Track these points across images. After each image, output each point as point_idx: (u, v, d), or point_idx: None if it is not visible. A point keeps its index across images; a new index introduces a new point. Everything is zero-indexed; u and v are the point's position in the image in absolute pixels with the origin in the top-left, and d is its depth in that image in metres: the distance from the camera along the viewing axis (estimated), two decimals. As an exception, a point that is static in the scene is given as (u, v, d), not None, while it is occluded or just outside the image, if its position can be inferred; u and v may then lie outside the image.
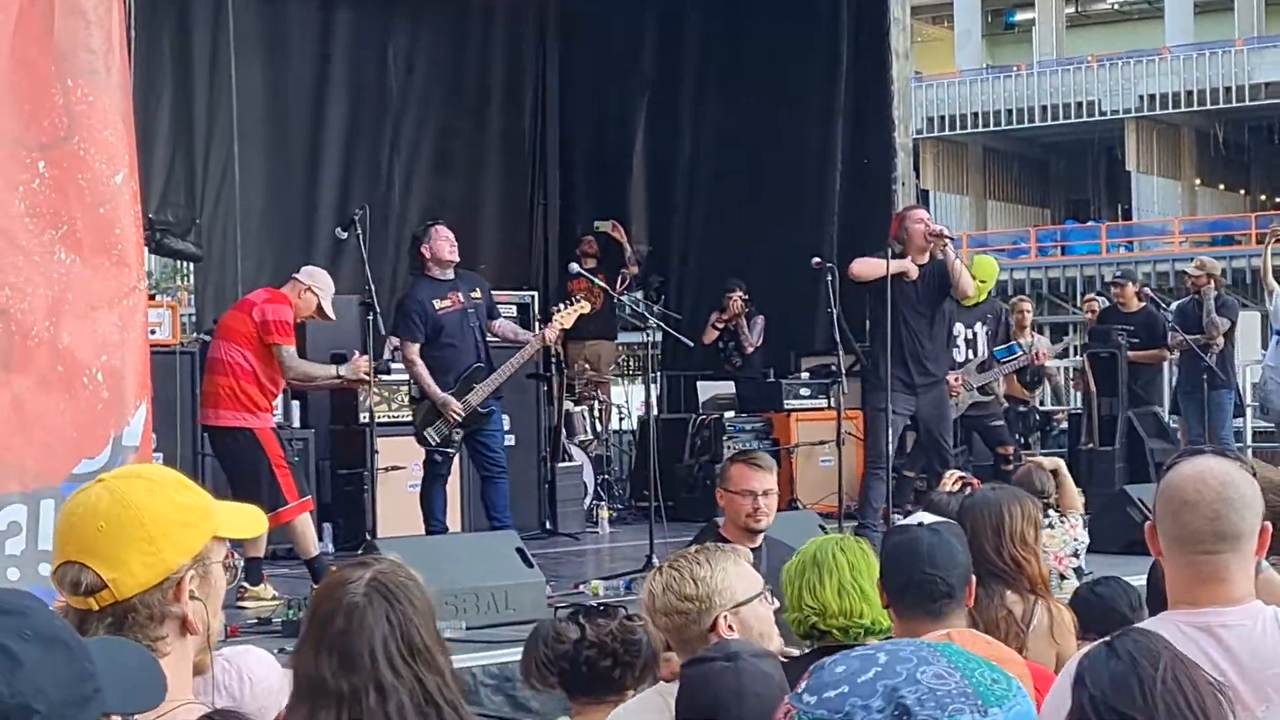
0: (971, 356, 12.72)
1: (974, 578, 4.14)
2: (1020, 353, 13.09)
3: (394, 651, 2.84)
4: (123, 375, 6.25)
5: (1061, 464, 8.48)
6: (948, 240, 11.03)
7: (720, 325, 15.08)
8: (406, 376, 10.98)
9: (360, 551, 8.91)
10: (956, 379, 12.22)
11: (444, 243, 10.66)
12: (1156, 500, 3.34)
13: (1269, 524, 3.29)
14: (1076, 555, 8.05)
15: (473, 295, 10.80)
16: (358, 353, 9.97)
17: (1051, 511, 7.76)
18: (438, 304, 10.62)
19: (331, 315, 9.93)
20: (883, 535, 4.11)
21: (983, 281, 12.78)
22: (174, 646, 2.65)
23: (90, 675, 1.86)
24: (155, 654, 2.49)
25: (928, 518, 4.20)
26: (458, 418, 10.49)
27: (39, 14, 6.10)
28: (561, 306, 11.02)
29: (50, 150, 6.09)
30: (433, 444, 10.64)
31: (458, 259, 10.83)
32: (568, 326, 11.02)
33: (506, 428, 12.59)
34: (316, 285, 9.75)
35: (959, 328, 12.44)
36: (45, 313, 6.04)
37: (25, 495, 5.97)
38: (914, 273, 10.81)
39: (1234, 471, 3.27)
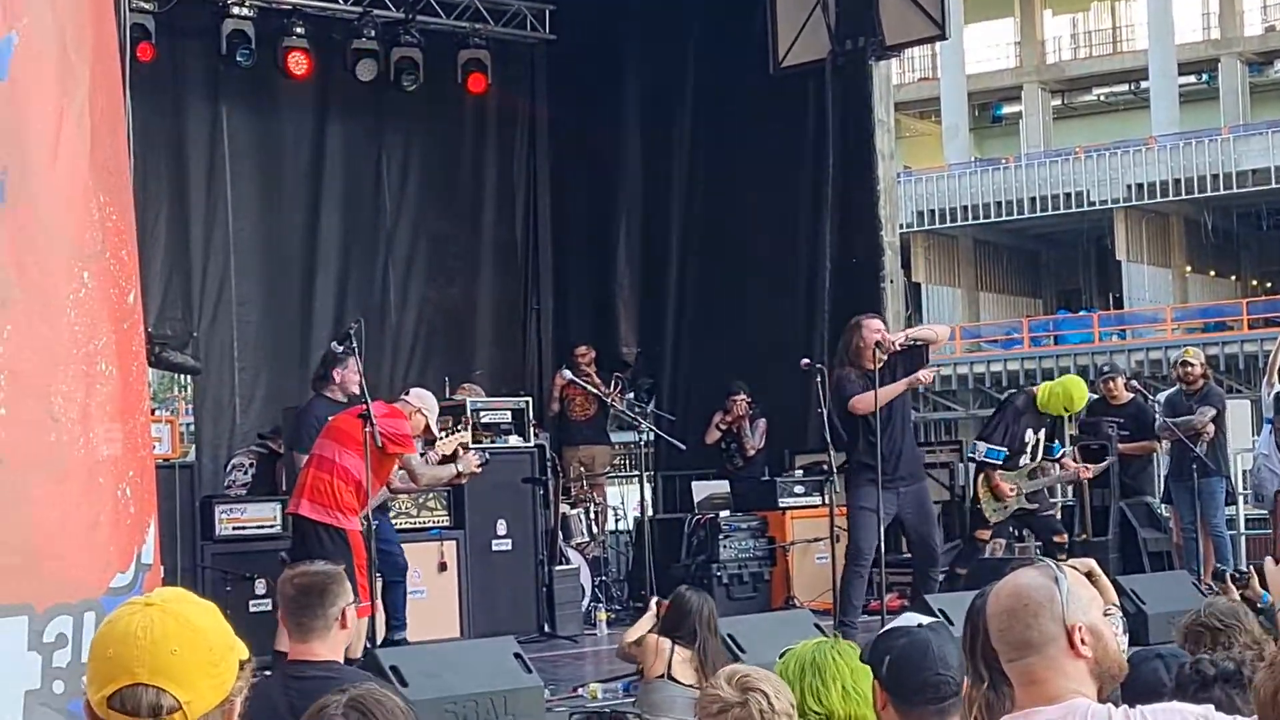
0: (1027, 462, 12.82)
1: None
2: (1061, 451, 13.26)
3: None
4: (143, 490, 6.35)
5: (1094, 563, 8.57)
6: (895, 345, 11.16)
7: (723, 426, 15.18)
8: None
9: (362, 658, 9.03)
10: (1011, 487, 12.52)
11: (355, 375, 10.89)
12: None
13: (1079, 623, 3.45)
14: None
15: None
16: (462, 450, 10.43)
17: None
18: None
19: (438, 433, 10.35)
20: (881, 635, 4.16)
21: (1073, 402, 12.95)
22: None
23: None
24: None
25: (923, 618, 4.27)
26: None
27: (76, 130, 6.25)
28: (444, 435, 11.34)
29: (91, 262, 6.20)
30: None
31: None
32: (447, 454, 11.22)
33: (504, 532, 12.76)
34: (425, 407, 10.32)
35: (1029, 434, 12.74)
36: (88, 423, 6.11)
37: (70, 607, 6.00)
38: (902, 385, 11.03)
39: (1026, 583, 3.48)
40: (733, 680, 4.26)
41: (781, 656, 4.54)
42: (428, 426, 10.29)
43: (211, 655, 2.75)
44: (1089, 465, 13.50)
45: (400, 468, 10.17)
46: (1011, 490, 12.59)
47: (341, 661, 5.43)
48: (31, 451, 6.04)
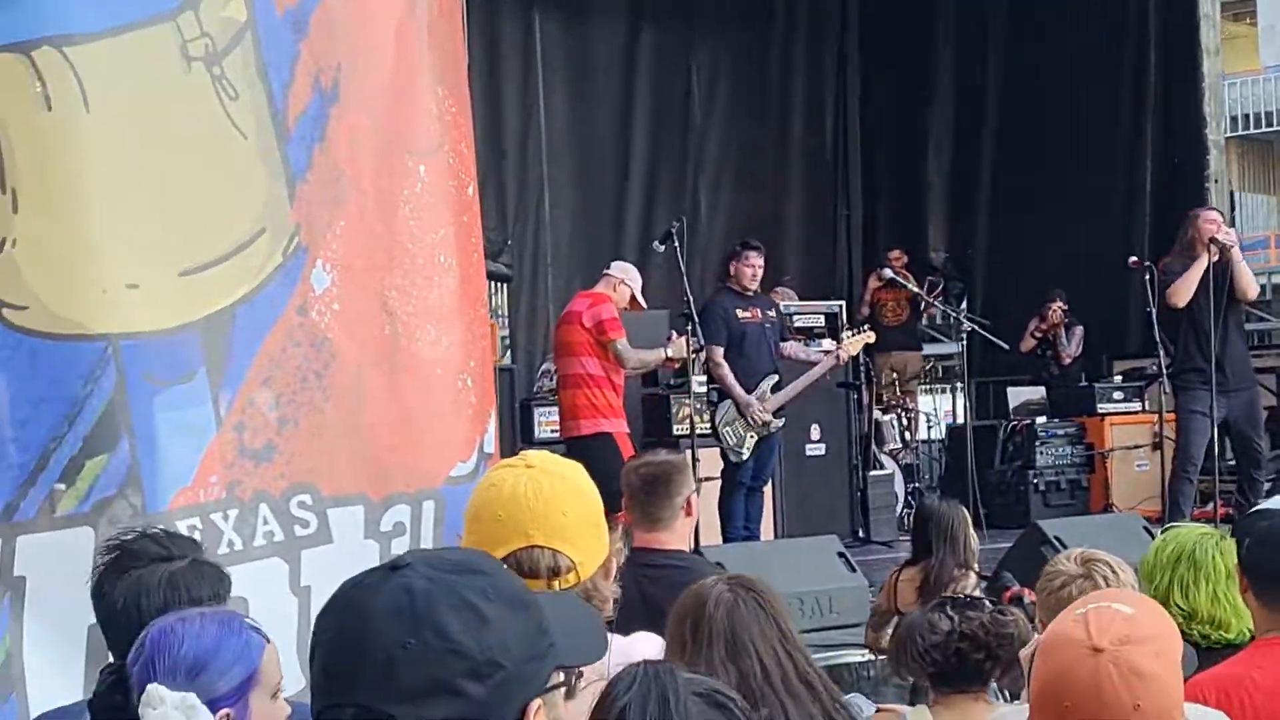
0: None
1: None
2: None
3: (771, 636, 3.18)
4: (482, 380, 6.43)
5: None
6: (1233, 246, 10.75)
7: (1039, 334, 14.90)
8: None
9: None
10: None
11: (749, 269, 11.10)
12: None
13: None
14: None
15: (769, 314, 11.26)
16: (675, 333, 10.46)
17: None
18: (740, 313, 11.03)
19: (644, 304, 10.49)
20: (1245, 517, 4.01)
21: None
22: None
23: (545, 631, 1.93)
24: None
25: (1289, 504, 4.10)
26: (761, 418, 10.69)
27: (415, 25, 6.32)
28: (847, 336, 11.31)
29: (427, 157, 6.29)
30: (729, 443, 10.84)
31: (756, 288, 11.28)
32: (854, 354, 11.21)
33: (817, 437, 12.73)
34: (629, 278, 10.44)
35: None
36: (427, 316, 6.18)
37: (409, 496, 6.09)
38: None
39: None
40: (1072, 557, 4.25)
41: (1164, 531, 4.41)
42: (633, 297, 10.34)
43: (595, 515, 2.78)
44: None
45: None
46: None
47: (688, 550, 5.45)
48: (366, 345, 6.13)
